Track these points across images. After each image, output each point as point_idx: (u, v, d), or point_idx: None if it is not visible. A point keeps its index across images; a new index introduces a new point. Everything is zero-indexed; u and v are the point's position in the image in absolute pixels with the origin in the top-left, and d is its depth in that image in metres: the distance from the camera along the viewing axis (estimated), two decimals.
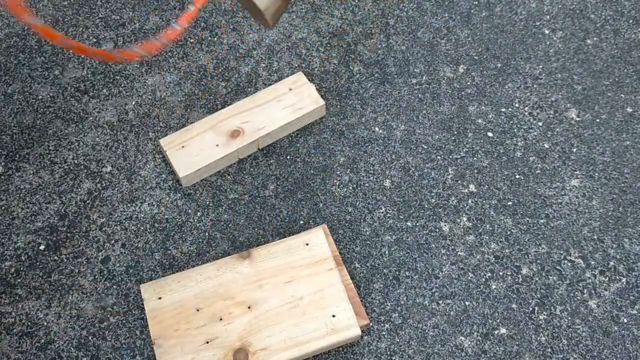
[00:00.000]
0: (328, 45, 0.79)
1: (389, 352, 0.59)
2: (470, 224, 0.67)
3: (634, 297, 0.63)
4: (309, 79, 0.76)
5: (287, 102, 0.72)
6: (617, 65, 0.78)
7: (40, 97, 0.74)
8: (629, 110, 0.75)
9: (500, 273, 0.64)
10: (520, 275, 0.64)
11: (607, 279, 0.64)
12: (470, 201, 0.68)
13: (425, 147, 0.72)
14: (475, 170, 0.70)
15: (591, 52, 0.80)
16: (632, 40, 0.81)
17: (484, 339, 0.60)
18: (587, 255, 0.65)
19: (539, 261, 0.65)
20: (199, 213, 0.67)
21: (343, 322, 0.57)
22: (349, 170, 0.70)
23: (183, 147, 0.68)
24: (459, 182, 0.69)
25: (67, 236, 0.65)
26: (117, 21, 0.80)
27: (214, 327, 0.56)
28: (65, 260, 0.64)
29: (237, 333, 0.56)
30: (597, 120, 0.74)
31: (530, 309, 0.62)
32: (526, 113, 0.75)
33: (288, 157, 0.71)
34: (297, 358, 0.56)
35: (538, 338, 0.60)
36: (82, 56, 0.77)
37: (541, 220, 0.67)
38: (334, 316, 0.57)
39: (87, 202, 0.68)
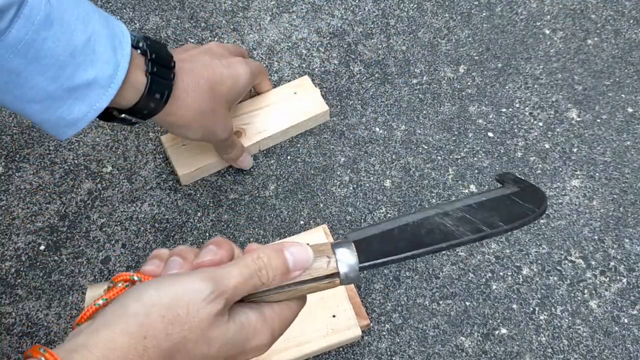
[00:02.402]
0: (328, 45, 0.79)
1: (389, 352, 0.59)
2: None
3: (634, 297, 0.63)
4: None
5: (291, 106, 0.71)
6: (618, 65, 0.78)
7: None
8: (630, 110, 0.75)
9: (501, 273, 0.64)
10: (520, 276, 0.64)
11: (608, 279, 0.64)
12: None
13: (426, 147, 0.72)
14: (476, 171, 0.70)
15: (592, 52, 0.80)
16: (632, 41, 0.81)
17: (484, 339, 0.60)
18: (588, 255, 0.65)
19: (539, 261, 0.65)
20: (199, 213, 0.67)
21: (343, 323, 0.57)
22: (349, 170, 0.70)
23: (184, 145, 0.68)
24: (460, 182, 0.69)
25: (68, 236, 0.65)
26: None
27: None
28: (66, 260, 0.64)
29: None
30: (598, 120, 0.74)
31: (531, 309, 0.62)
32: (527, 113, 0.75)
33: (288, 157, 0.71)
34: (297, 358, 0.55)
35: (539, 338, 0.60)
36: None
37: (542, 221, 0.67)
38: (334, 316, 0.57)
39: (87, 202, 0.67)
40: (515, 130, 0.73)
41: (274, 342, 0.39)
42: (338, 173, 0.70)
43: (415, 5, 0.83)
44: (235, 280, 0.35)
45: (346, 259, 0.38)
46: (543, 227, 0.67)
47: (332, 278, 0.38)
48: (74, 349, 0.31)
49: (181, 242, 0.65)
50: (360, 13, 0.82)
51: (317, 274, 0.38)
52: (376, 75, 0.77)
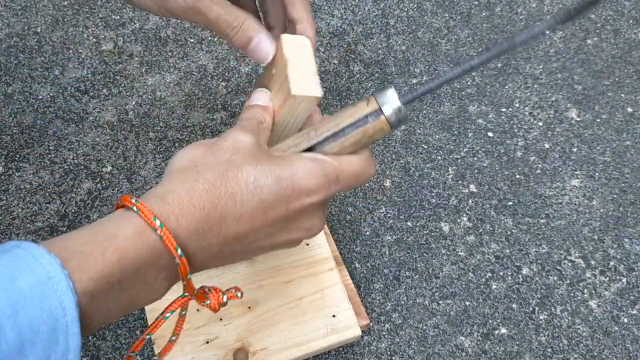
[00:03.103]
0: (328, 45, 0.79)
1: (389, 352, 0.59)
2: (471, 224, 0.67)
3: (634, 297, 0.63)
4: None
5: None
6: (618, 65, 0.78)
7: (40, 97, 0.74)
8: (630, 110, 0.75)
9: (501, 273, 0.64)
10: (520, 275, 0.64)
11: (608, 279, 0.64)
12: (470, 201, 0.68)
13: (426, 147, 0.72)
14: (476, 170, 0.70)
15: (591, 52, 0.80)
16: (632, 40, 0.81)
17: (484, 339, 0.60)
18: (588, 255, 0.65)
19: (539, 261, 0.65)
20: None
21: (343, 322, 0.57)
22: None
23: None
24: (460, 182, 0.69)
25: None
26: (117, 21, 0.80)
27: (214, 327, 0.56)
28: None
29: (237, 333, 0.56)
30: (598, 120, 0.74)
31: (531, 309, 0.62)
32: (526, 113, 0.75)
33: None
34: (297, 358, 0.55)
35: (538, 338, 0.60)
36: (83, 56, 0.77)
37: (541, 220, 0.67)
38: (334, 316, 0.57)
39: (87, 202, 0.67)
40: (515, 130, 0.73)
41: (327, 191, 0.40)
42: None
43: (415, 5, 0.83)
44: (244, 120, 0.42)
45: (387, 96, 0.40)
46: (543, 227, 0.67)
47: (377, 117, 0.40)
48: (161, 198, 0.36)
49: None
50: (360, 13, 0.82)
51: (359, 115, 0.40)
52: (376, 75, 0.77)
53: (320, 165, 0.39)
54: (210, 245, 0.36)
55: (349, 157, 0.41)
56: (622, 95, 0.76)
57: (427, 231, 0.66)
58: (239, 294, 0.40)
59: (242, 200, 0.36)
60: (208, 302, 0.39)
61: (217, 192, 0.36)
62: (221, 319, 0.56)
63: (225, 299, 0.39)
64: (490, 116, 0.74)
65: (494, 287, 0.63)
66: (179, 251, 0.34)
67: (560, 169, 0.70)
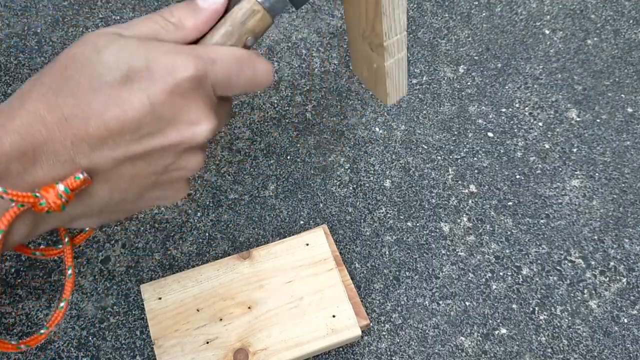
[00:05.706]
0: (328, 45, 0.79)
1: (389, 352, 0.59)
2: (471, 224, 0.67)
3: (634, 297, 0.63)
4: (309, 79, 0.76)
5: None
6: (618, 65, 0.78)
7: None
8: (630, 110, 0.75)
9: (501, 273, 0.64)
10: (520, 276, 0.64)
11: (608, 279, 0.64)
12: (470, 201, 0.68)
13: (426, 147, 0.72)
14: (476, 171, 0.70)
15: (591, 53, 0.80)
16: (632, 41, 0.81)
17: (484, 339, 0.60)
18: (588, 255, 0.65)
19: (539, 261, 0.65)
20: (199, 213, 0.67)
21: (343, 323, 0.57)
22: (349, 170, 0.70)
23: None
24: (460, 182, 0.69)
25: None
26: (117, 21, 0.80)
27: (214, 328, 0.56)
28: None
29: (237, 333, 0.56)
30: (598, 120, 0.74)
31: (531, 309, 0.62)
32: (526, 113, 0.75)
33: (288, 157, 0.71)
34: (297, 358, 0.56)
35: (538, 338, 0.60)
36: None
37: (541, 221, 0.67)
38: (334, 316, 0.57)
39: None
40: (515, 130, 0.73)
41: (199, 67, 0.34)
42: (338, 173, 0.70)
43: (415, 5, 0.83)
44: (138, 21, 0.37)
45: None
46: (543, 227, 0.67)
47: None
48: None
49: (181, 242, 0.65)
50: None
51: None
52: None
53: (185, 46, 0.35)
54: (57, 152, 0.32)
55: (227, 46, 0.37)
56: (622, 95, 0.76)
57: (427, 231, 0.66)
58: (80, 176, 0.33)
59: (86, 96, 0.32)
60: (43, 202, 0.32)
61: (53, 93, 0.32)
62: (221, 319, 0.56)
63: (62, 187, 0.32)
64: (490, 116, 0.74)
65: (494, 287, 0.63)
66: None
67: (560, 169, 0.70)
